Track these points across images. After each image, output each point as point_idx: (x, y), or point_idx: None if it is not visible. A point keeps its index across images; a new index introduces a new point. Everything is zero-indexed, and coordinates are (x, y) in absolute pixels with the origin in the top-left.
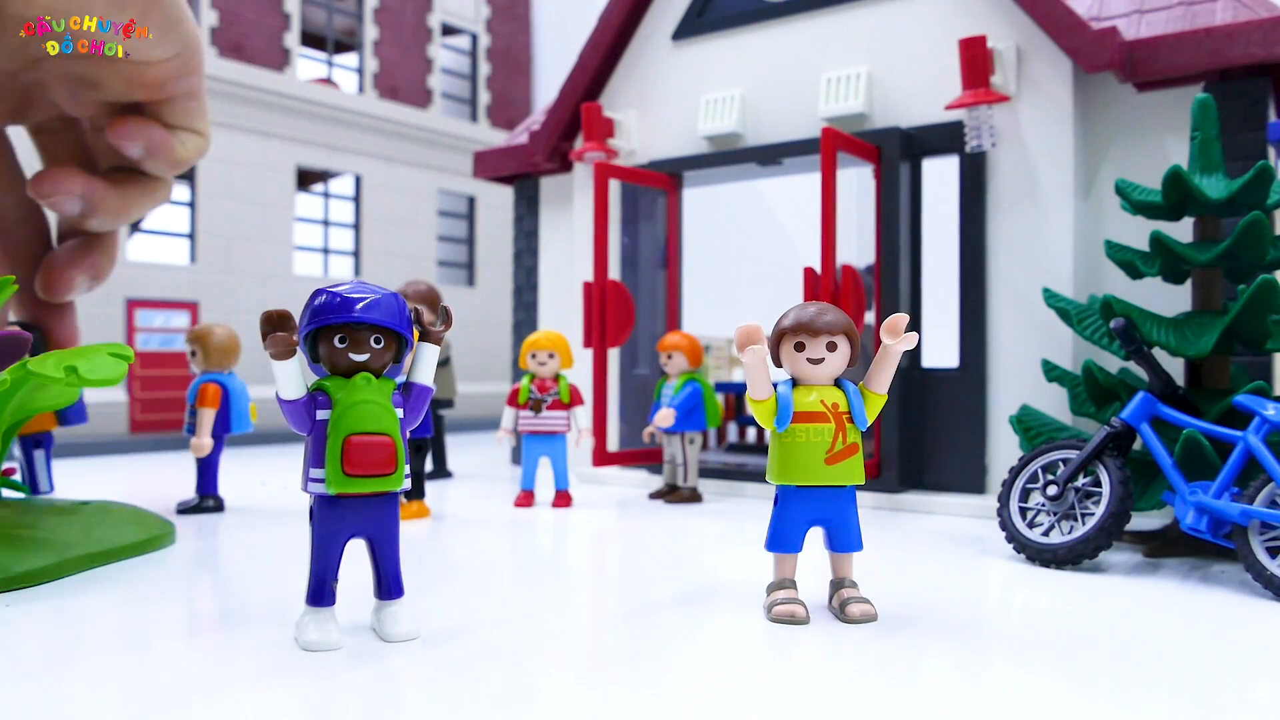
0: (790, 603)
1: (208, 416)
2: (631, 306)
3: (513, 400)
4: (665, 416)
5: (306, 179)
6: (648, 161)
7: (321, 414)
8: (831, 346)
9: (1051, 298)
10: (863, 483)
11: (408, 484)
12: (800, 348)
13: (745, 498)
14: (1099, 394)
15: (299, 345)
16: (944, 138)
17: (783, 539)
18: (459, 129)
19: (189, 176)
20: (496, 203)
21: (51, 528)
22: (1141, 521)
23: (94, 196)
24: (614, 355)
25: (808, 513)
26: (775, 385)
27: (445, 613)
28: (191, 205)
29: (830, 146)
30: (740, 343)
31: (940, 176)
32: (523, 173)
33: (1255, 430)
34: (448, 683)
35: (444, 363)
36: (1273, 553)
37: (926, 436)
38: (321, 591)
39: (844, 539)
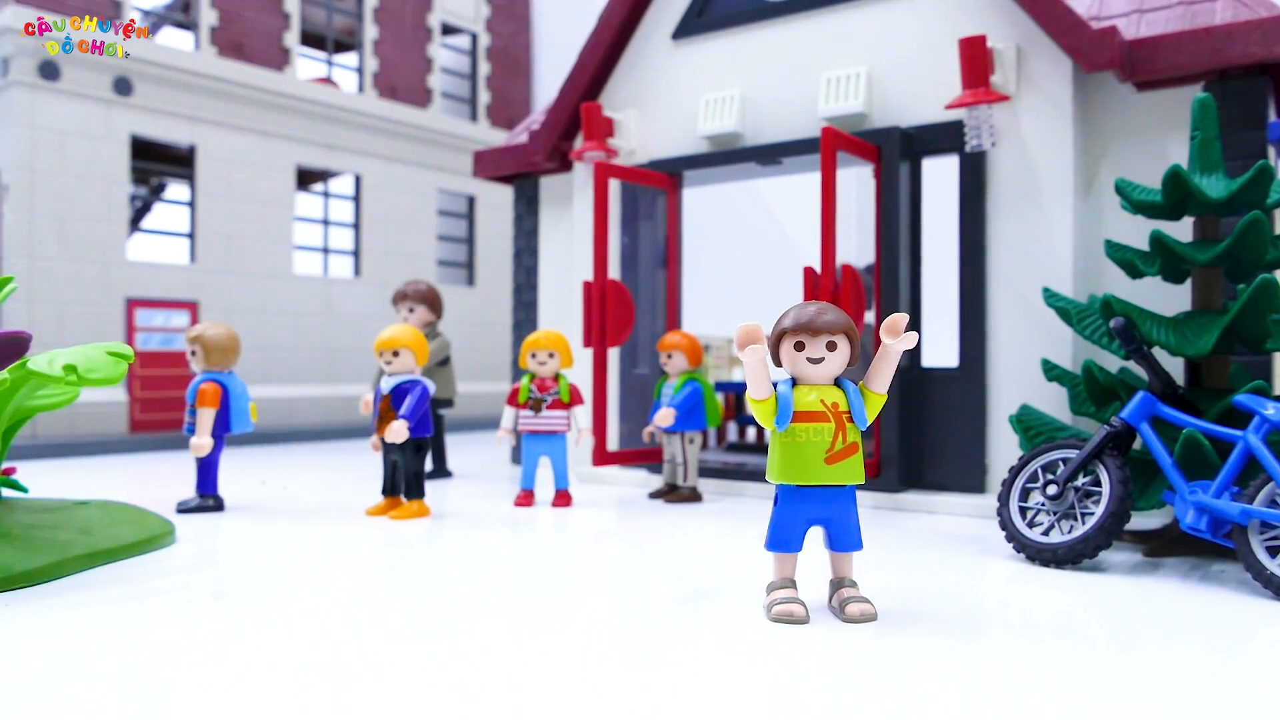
0: (789, 602)
1: (207, 416)
2: (631, 306)
3: (512, 400)
4: (665, 416)
5: (306, 178)
6: (648, 161)
7: None
8: (831, 346)
9: (1051, 297)
10: (863, 482)
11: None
12: (800, 347)
13: (745, 497)
14: (1099, 393)
15: None
16: (944, 137)
17: (782, 539)
18: (459, 128)
19: (189, 176)
20: (496, 202)
21: (52, 527)
22: (1141, 521)
23: None
24: (614, 355)
25: (807, 512)
26: (775, 384)
27: (444, 612)
28: (191, 205)
29: (830, 146)
30: (740, 342)
31: (940, 176)
32: (523, 172)
33: (1255, 430)
34: (448, 681)
35: (444, 362)
36: (1273, 552)
37: (926, 436)
38: None
39: (844, 539)
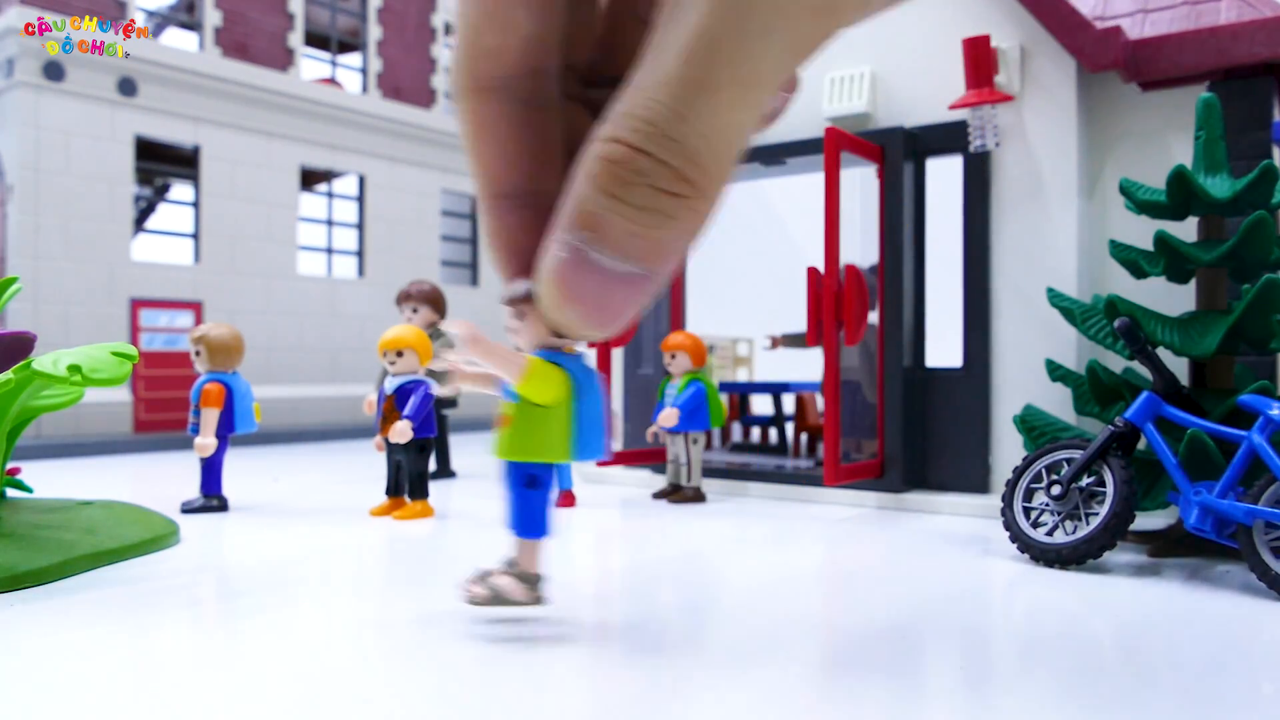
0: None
1: (211, 416)
2: None
3: None
4: (669, 416)
5: (310, 179)
6: None
7: None
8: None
9: (1055, 297)
10: (509, 459)
11: None
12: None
13: (748, 497)
14: (1103, 394)
15: None
16: (948, 137)
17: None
18: None
19: (193, 176)
20: None
21: (57, 527)
22: (1146, 521)
23: None
24: (618, 355)
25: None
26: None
27: (448, 611)
28: (195, 205)
29: (833, 146)
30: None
31: (944, 176)
32: None
33: (1260, 430)
34: (451, 680)
35: None
36: (1277, 552)
37: (930, 436)
38: None
39: (509, 515)
